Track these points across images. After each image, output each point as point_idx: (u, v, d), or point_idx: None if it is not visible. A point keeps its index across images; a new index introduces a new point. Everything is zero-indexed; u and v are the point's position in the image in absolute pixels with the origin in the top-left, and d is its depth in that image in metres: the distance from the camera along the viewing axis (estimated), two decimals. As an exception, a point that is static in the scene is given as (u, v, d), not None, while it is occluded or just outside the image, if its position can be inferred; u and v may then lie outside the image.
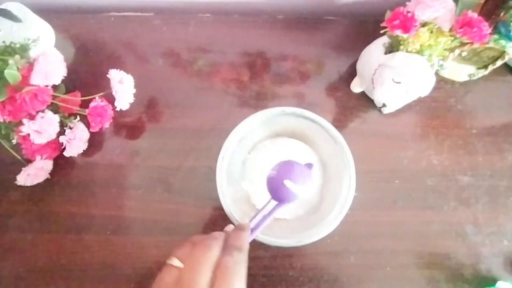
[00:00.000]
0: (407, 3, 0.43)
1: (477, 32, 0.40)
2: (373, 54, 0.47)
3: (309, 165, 0.38)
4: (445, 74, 0.51)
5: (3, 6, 0.47)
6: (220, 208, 0.39)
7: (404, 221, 0.46)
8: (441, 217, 0.46)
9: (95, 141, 0.48)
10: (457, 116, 0.51)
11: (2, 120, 0.40)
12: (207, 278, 0.25)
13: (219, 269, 0.26)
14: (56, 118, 0.42)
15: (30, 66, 0.41)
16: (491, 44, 0.45)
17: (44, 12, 0.50)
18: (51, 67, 0.41)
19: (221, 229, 0.44)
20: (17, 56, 0.40)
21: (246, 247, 0.30)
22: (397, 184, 0.47)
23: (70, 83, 0.47)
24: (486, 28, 0.40)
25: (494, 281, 0.43)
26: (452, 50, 0.43)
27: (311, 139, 0.46)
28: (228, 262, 0.27)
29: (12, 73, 0.38)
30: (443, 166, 0.48)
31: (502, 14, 0.44)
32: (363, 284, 0.43)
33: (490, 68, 0.48)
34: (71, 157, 0.46)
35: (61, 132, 0.44)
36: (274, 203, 0.35)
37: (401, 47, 0.43)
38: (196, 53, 0.54)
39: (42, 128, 0.41)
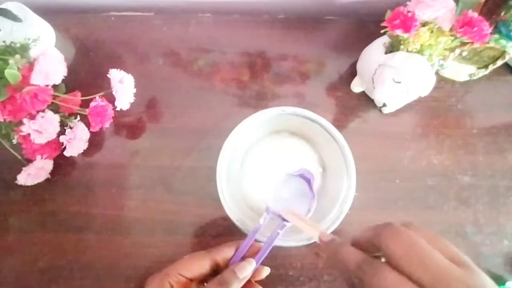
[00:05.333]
0: (408, 2, 0.42)
1: (477, 32, 0.40)
2: (373, 53, 0.47)
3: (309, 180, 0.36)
4: (446, 73, 0.51)
5: (3, 6, 0.47)
6: (220, 208, 0.39)
7: (405, 221, 0.46)
8: (441, 217, 0.46)
9: (95, 141, 0.48)
10: (457, 116, 0.51)
11: (2, 120, 0.40)
12: None
13: None
14: (56, 117, 0.42)
15: (31, 65, 0.41)
16: (491, 44, 0.45)
17: (44, 12, 0.50)
18: (51, 66, 0.41)
19: (221, 229, 0.45)
20: (17, 56, 0.40)
21: None
22: (398, 184, 0.47)
23: (70, 83, 0.47)
24: (487, 27, 0.40)
25: (500, 280, 0.43)
26: (452, 49, 0.43)
27: (311, 139, 0.46)
28: None
29: (12, 73, 0.38)
30: (443, 166, 0.48)
31: (502, 13, 0.44)
32: (363, 284, 0.43)
33: (491, 67, 0.48)
34: (71, 156, 0.46)
35: (62, 132, 0.44)
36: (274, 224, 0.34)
37: (402, 46, 0.43)
38: (196, 52, 0.54)
39: (42, 127, 0.41)
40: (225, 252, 0.32)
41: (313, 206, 0.34)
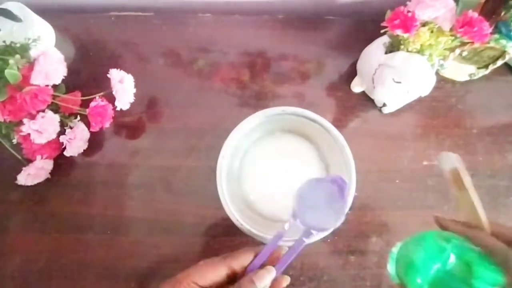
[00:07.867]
0: (408, 2, 0.43)
1: (477, 32, 0.40)
2: (374, 53, 0.47)
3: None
4: (446, 73, 0.51)
5: (3, 6, 0.47)
6: (220, 208, 0.39)
7: (405, 221, 0.46)
8: (442, 217, 0.46)
9: (95, 141, 0.48)
10: (457, 116, 0.51)
11: (2, 120, 0.40)
12: None
13: None
14: (56, 117, 0.42)
15: (31, 65, 0.41)
16: (491, 44, 0.45)
17: (44, 12, 0.50)
18: (51, 66, 0.41)
19: (221, 229, 0.45)
20: (17, 56, 0.40)
21: None
22: (398, 184, 0.47)
23: (71, 83, 0.47)
24: (487, 27, 0.40)
25: None
26: (452, 49, 0.43)
27: (312, 139, 0.46)
28: None
29: (12, 73, 0.38)
30: (443, 166, 0.48)
31: (502, 13, 0.44)
32: (363, 284, 0.43)
33: (491, 67, 0.48)
34: (71, 156, 0.46)
35: (62, 132, 0.44)
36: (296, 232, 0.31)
37: (402, 46, 0.43)
38: (196, 53, 0.54)
39: (42, 127, 0.41)
40: (242, 259, 0.30)
41: (342, 214, 0.31)
